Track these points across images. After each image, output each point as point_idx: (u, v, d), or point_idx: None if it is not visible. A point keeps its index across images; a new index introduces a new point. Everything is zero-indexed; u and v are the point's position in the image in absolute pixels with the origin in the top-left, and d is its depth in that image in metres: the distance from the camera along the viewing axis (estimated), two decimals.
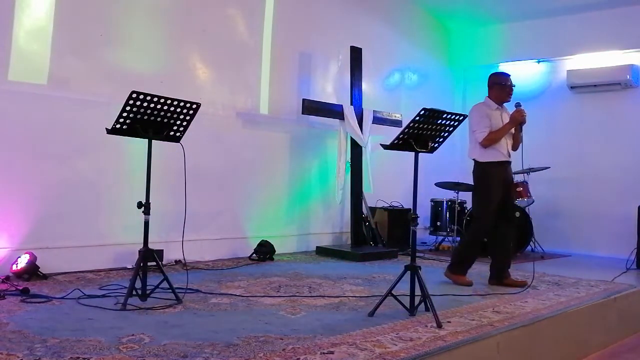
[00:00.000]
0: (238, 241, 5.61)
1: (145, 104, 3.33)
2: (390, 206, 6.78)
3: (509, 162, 4.61)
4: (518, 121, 4.51)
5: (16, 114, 4.23)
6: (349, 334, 2.93)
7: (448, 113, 3.49)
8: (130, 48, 4.86)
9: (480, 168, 4.55)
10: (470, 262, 4.60)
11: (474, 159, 4.60)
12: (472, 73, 8.37)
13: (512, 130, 4.57)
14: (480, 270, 4.94)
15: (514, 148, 4.64)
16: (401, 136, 3.44)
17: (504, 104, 4.66)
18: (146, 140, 3.51)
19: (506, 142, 4.57)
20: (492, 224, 4.50)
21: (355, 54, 6.28)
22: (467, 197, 6.93)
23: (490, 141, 4.47)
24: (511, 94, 4.63)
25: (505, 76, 4.70)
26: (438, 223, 6.97)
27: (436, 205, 7.01)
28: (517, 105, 4.57)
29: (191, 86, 5.26)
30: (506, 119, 4.58)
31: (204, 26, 5.40)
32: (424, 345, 2.78)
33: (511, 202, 4.69)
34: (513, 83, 4.66)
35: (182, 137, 3.67)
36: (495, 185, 4.48)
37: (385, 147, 3.52)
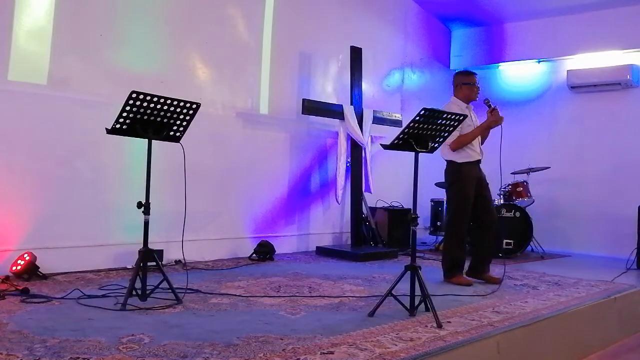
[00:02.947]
0: (238, 241, 5.61)
1: (145, 104, 3.33)
2: (390, 206, 6.78)
3: (480, 161, 4.67)
4: (494, 125, 4.55)
5: (16, 114, 4.23)
6: (349, 334, 2.93)
7: (448, 113, 3.50)
8: (130, 48, 4.85)
9: (454, 167, 4.59)
10: (462, 261, 4.58)
11: (449, 160, 4.62)
12: None
13: None
14: None
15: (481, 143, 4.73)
16: (401, 136, 3.44)
17: (470, 103, 4.70)
18: (146, 140, 3.51)
19: (478, 141, 4.63)
20: (469, 222, 4.56)
21: (355, 54, 6.28)
22: None
23: (459, 144, 4.51)
24: (478, 93, 4.67)
25: (472, 75, 4.71)
26: (438, 223, 6.97)
27: (436, 205, 7.01)
28: (487, 102, 4.58)
29: (191, 86, 5.26)
30: (474, 118, 4.65)
31: (204, 26, 5.41)
32: (424, 346, 2.78)
33: (489, 198, 4.70)
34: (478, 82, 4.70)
35: (182, 137, 3.67)
36: (469, 183, 4.54)
37: (385, 147, 3.53)
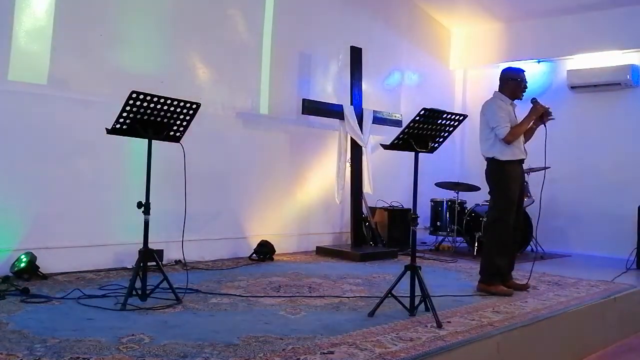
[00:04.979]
0: (238, 241, 5.61)
1: (145, 104, 3.34)
2: (390, 206, 6.78)
3: (524, 160, 4.44)
4: (539, 113, 4.35)
5: (16, 114, 4.23)
6: (349, 334, 2.94)
7: (448, 113, 3.50)
8: (130, 48, 4.86)
9: (498, 167, 4.30)
10: (507, 268, 4.32)
11: (491, 157, 4.34)
12: (472, 73, 8.38)
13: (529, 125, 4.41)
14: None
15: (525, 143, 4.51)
16: (401, 136, 3.45)
17: (514, 102, 4.49)
18: (146, 140, 3.51)
19: (522, 139, 4.41)
20: (513, 223, 4.28)
21: (355, 54, 6.28)
22: (467, 197, 6.94)
23: (514, 136, 4.25)
24: (525, 91, 4.49)
25: (521, 72, 4.52)
26: (438, 223, 6.97)
27: (436, 205, 7.01)
28: (534, 101, 4.41)
29: (191, 86, 5.26)
30: (519, 116, 4.42)
31: (204, 26, 5.40)
32: (424, 345, 2.78)
33: (522, 202, 4.50)
34: (526, 79, 4.50)
35: (182, 137, 3.67)
36: (514, 184, 4.29)
37: (385, 147, 3.53)
